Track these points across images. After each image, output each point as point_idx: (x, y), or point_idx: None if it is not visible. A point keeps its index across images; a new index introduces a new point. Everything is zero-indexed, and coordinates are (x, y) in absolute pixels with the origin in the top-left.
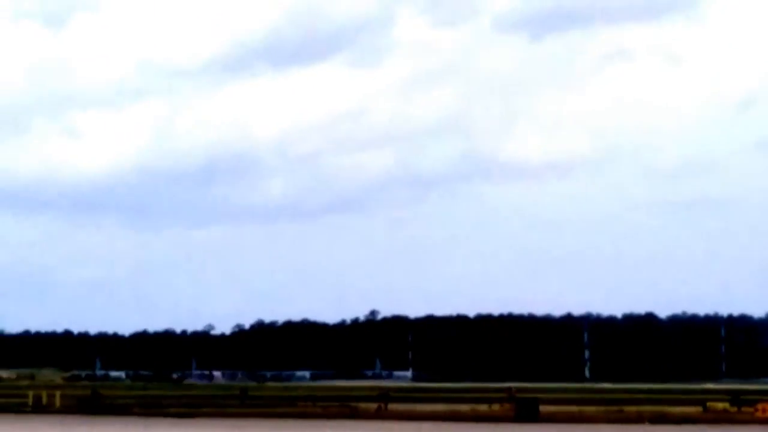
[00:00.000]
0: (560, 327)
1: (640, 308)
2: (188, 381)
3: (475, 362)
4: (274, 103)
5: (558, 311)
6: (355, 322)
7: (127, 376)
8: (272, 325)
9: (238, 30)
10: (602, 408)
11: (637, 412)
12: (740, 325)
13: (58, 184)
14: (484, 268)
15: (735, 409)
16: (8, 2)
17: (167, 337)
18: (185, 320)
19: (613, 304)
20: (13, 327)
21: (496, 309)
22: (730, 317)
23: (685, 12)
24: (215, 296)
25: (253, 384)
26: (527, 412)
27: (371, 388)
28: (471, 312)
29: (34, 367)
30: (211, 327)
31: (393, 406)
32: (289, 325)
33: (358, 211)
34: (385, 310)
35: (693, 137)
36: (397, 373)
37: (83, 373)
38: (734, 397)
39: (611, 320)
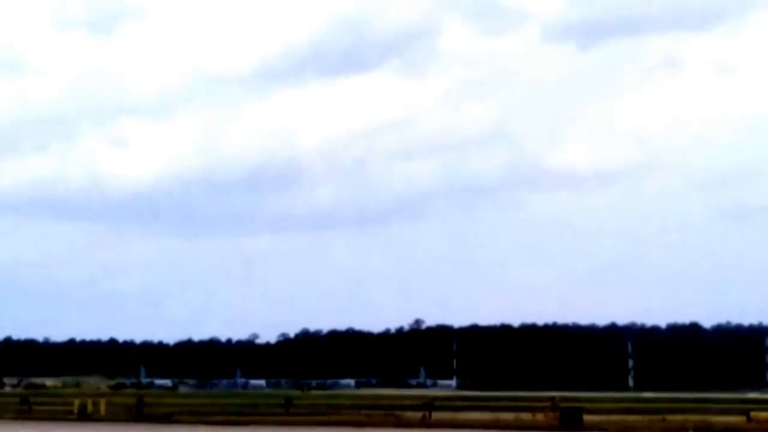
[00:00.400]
0: (604, 336)
1: (684, 318)
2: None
3: (519, 371)
4: (321, 111)
5: (602, 321)
6: (400, 330)
7: (173, 384)
8: (317, 334)
9: (285, 38)
10: (646, 417)
11: (681, 422)
12: None
13: (105, 192)
14: (528, 277)
15: None
16: (55, 11)
17: (212, 345)
18: (230, 329)
19: (657, 314)
20: (59, 335)
21: (540, 318)
22: None
23: (734, 21)
24: (260, 305)
25: (297, 392)
26: (571, 421)
27: (415, 397)
28: (515, 321)
29: (80, 375)
30: (256, 336)
31: (437, 415)
32: (333, 333)
33: (403, 220)
34: (430, 319)
35: (739, 147)
36: (441, 381)
37: (128, 381)
38: None
39: (655, 330)
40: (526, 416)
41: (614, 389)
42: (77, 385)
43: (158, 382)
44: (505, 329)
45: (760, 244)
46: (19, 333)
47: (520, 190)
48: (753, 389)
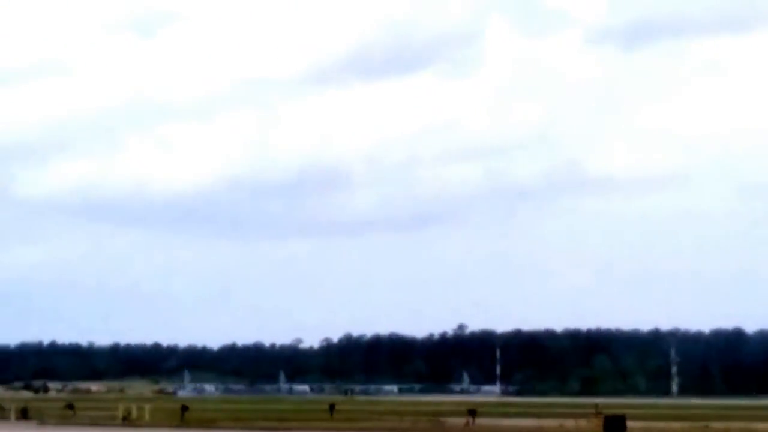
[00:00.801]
0: (648, 342)
1: (727, 323)
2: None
3: (562, 377)
4: (364, 115)
5: (645, 326)
6: (443, 336)
7: (216, 389)
8: (360, 339)
9: (331, 41)
10: (689, 424)
11: (724, 428)
12: None
13: (150, 196)
14: (571, 282)
15: None
16: (101, 15)
17: (256, 349)
18: (274, 333)
19: (700, 320)
20: (104, 339)
21: (583, 324)
22: None
23: None
24: (304, 309)
25: (341, 398)
26: (615, 428)
27: (459, 403)
28: (558, 327)
29: (124, 380)
30: (300, 340)
31: (480, 421)
32: (377, 338)
33: (446, 224)
34: (473, 324)
35: None
36: (484, 387)
37: (172, 387)
38: None
39: (699, 335)
40: (569, 423)
41: (657, 395)
42: (122, 390)
43: (206, 387)
44: (548, 334)
45: None
46: (64, 337)
47: (563, 195)
48: None
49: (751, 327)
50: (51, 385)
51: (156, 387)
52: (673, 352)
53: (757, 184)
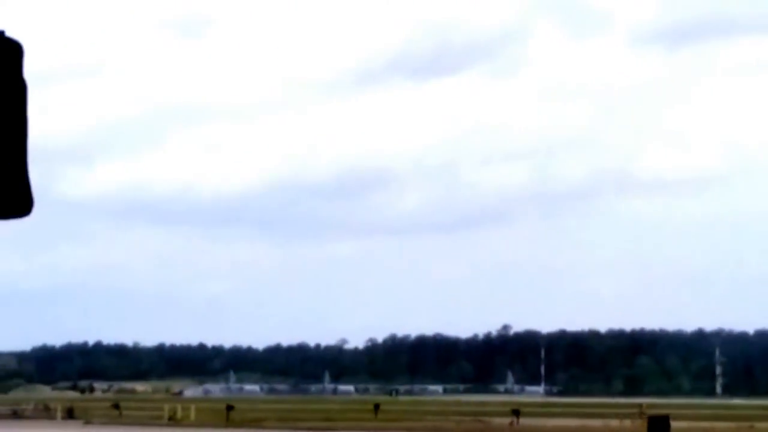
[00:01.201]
0: (692, 342)
1: None
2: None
3: (606, 377)
4: (409, 116)
5: (690, 327)
6: (488, 336)
7: (261, 389)
8: (405, 339)
9: (375, 42)
10: (733, 424)
11: None
12: None
13: (195, 197)
14: (616, 282)
15: None
16: (146, 15)
17: (301, 350)
18: (319, 333)
19: (744, 320)
20: (149, 339)
21: (627, 324)
22: None
23: None
24: (349, 310)
25: (386, 398)
26: (659, 428)
27: (503, 403)
28: (602, 327)
29: (169, 380)
30: (345, 341)
31: (524, 421)
32: (421, 339)
33: (491, 224)
34: (518, 325)
35: None
36: (528, 387)
37: (217, 386)
38: None
39: (743, 336)
40: (613, 423)
41: (701, 396)
42: (167, 390)
43: (248, 387)
44: (592, 335)
45: None
46: (110, 338)
47: (608, 195)
48: None
49: None
50: (97, 385)
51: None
52: (717, 353)
53: None
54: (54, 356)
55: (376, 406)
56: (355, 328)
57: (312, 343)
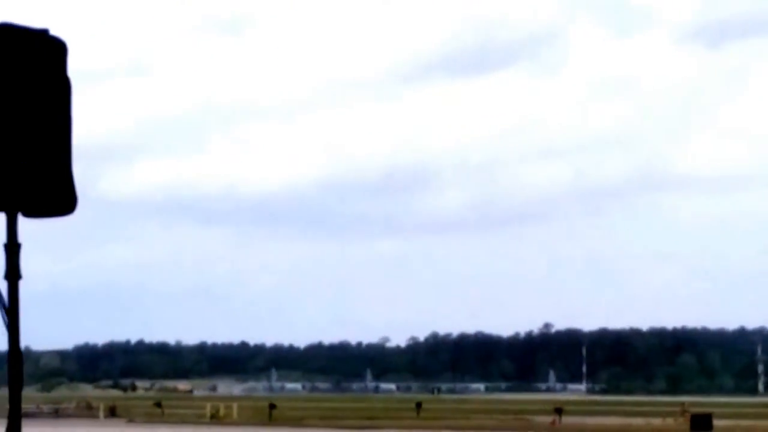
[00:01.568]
0: (734, 340)
1: None
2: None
3: (648, 375)
4: (450, 114)
5: (732, 325)
6: (529, 334)
7: (303, 387)
8: (447, 338)
9: (415, 41)
10: None
11: None
12: None
13: (236, 196)
14: (657, 280)
15: None
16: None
17: (342, 348)
18: (360, 332)
19: None
20: (191, 338)
21: (669, 322)
22: None
23: None
24: (391, 308)
25: (428, 396)
26: (701, 426)
27: (545, 402)
28: (644, 325)
29: (211, 378)
30: (387, 339)
31: (566, 420)
32: (463, 337)
33: (533, 222)
34: (559, 323)
35: None
36: (570, 386)
37: (260, 385)
38: None
39: None
40: (656, 421)
41: (744, 394)
42: (209, 388)
43: (289, 386)
44: (634, 333)
45: None
46: (152, 336)
47: (649, 193)
48: None
49: None
50: (139, 383)
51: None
52: (759, 351)
53: None
54: (96, 355)
55: (418, 405)
56: (397, 326)
57: (354, 342)
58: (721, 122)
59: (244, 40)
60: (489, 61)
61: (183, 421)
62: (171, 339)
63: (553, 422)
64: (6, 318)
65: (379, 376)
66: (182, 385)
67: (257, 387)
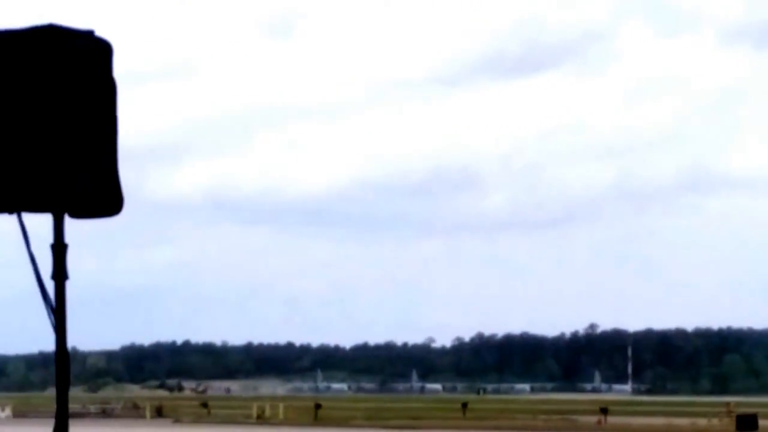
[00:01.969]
0: None
1: None
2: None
3: (693, 375)
4: (495, 115)
5: None
6: (575, 335)
7: (349, 388)
8: (492, 338)
9: (460, 42)
10: None
11: None
12: None
13: (281, 197)
14: (703, 281)
15: None
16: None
17: (388, 349)
18: (406, 332)
19: None
20: (237, 339)
21: (714, 323)
22: None
23: None
24: (436, 308)
25: (473, 396)
26: (747, 426)
27: (590, 402)
28: (689, 325)
29: (256, 379)
30: (432, 339)
31: (612, 420)
32: (508, 338)
33: (577, 223)
34: (605, 323)
35: None
36: (616, 386)
37: (305, 385)
38: None
39: None
40: (701, 422)
41: None
42: (255, 389)
43: (334, 386)
44: (679, 333)
45: None
46: (198, 336)
47: (694, 194)
48: None
49: None
50: (185, 383)
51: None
52: None
53: None
54: (143, 355)
55: (464, 405)
56: (443, 326)
57: (399, 342)
58: (765, 123)
59: (290, 41)
60: (534, 62)
61: (229, 421)
62: (217, 339)
63: (598, 422)
64: (53, 318)
65: (424, 377)
66: (228, 385)
67: (302, 387)
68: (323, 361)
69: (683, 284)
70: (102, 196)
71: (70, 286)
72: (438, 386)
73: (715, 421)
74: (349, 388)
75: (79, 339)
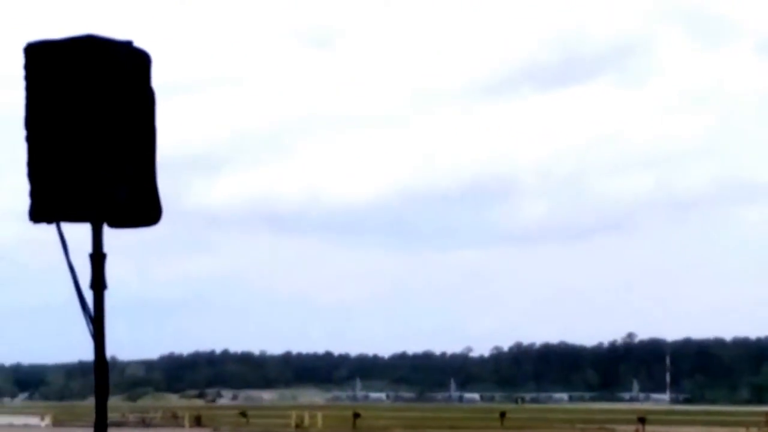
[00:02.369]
0: None
1: None
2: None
3: (732, 385)
4: (535, 125)
5: None
6: (613, 344)
7: (387, 397)
8: (530, 348)
9: (501, 53)
10: None
11: None
12: None
13: (322, 206)
14: (741, 290)
15: None
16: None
17: (426, 358)
18: (444, 341)
19: None
20: (275, 348)
21: (753, 332)
22: None
23: None
24: (474, 318)
25: (512, 406)
26: None
27: (629, 411)
28: (727, 335)
29: (295, 388)
30: (470, 349)
31: (650, 429)
32: (546, 347)
33: (616, 233)
34: (643, 333)
35: None
36: (654, 395)
37: (344, 394)
38: None
39: None
40: (739, 431)
41: None
42: (294, 398)
43: (373, 395)
44: (717, 343)
45: None
46: (236, 346)
47: (732, 203)
48: None
49: None
50: (224, 393)
51: (328, 395)
52: None
53: None
54: (181, 364)
55: (502, 414)
56: (481, 336)
57: (437, 351)
58: None
59: (333, 51)
60: (574, 73)
61: (268, 430)
62: (255, 349)
63: (636, 431)
64: (92, 328)
65: (463, 386)
66: (267, 394)
67: (341, 396)
68: (362, 370)
69: (721, 294)
70: (140, 206)
71: (108, 295)
72: (476, 396)
73: (753, 430)
74: (388, 397)
75: (118, 348)
